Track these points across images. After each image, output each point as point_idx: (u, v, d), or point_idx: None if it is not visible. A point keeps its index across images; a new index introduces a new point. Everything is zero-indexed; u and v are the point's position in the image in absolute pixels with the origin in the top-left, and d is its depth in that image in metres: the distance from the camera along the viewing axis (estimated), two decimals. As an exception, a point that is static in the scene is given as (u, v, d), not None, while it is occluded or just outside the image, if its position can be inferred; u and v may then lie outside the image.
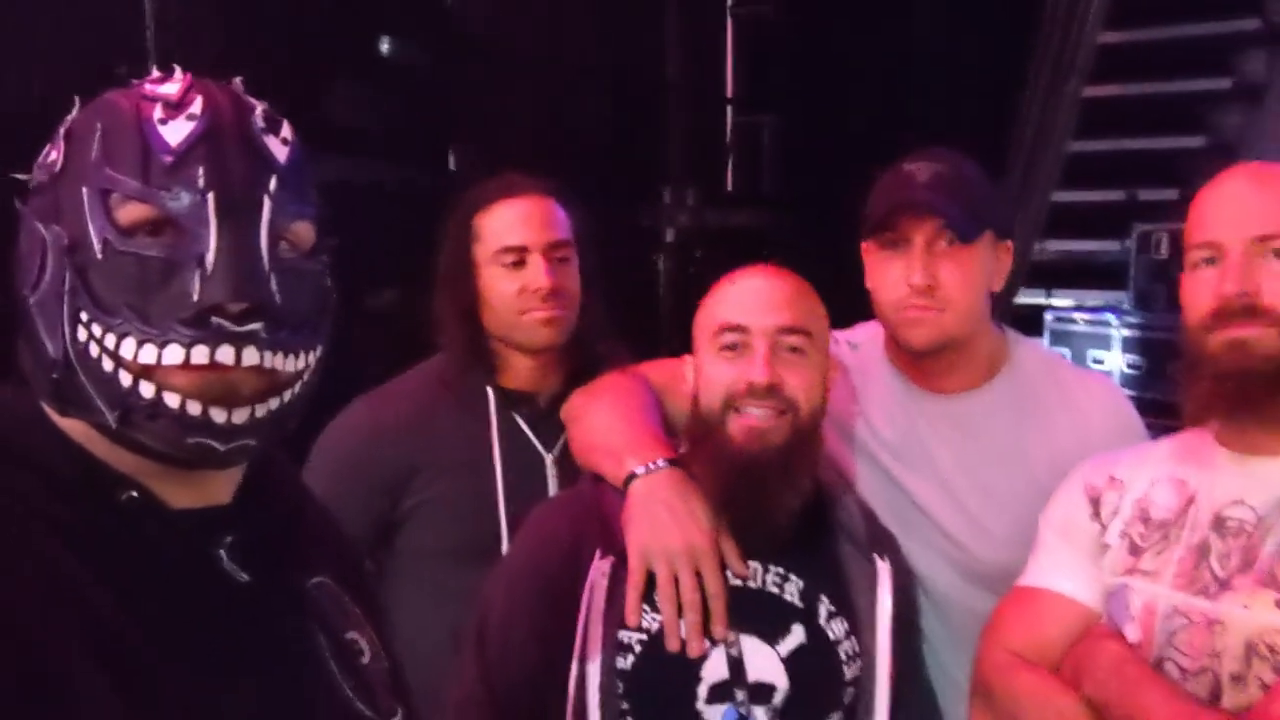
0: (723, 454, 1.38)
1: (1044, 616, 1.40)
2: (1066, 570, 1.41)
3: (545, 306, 1.78)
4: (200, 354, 0.81)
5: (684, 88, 5.56)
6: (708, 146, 5.85)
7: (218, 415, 0.82)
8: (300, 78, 3.90)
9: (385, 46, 4.45)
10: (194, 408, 0.82)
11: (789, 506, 1.42)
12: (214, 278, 0.81)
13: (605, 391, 1.62)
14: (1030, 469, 1.60)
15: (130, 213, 0.83)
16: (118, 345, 0.82)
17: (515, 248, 1.79)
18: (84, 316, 0.82)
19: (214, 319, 0.81)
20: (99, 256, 0.82)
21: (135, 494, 0.86)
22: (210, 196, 0.83)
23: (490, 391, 1.83)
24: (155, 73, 0.90)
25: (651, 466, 1.43)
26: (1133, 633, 1.32)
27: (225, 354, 0.82)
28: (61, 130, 0.88)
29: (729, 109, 6.02)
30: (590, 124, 5.20)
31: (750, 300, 1.41)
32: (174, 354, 0.81)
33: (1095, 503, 1.42)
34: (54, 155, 0.87)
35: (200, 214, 0.82)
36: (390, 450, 1.79)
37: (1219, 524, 1.30)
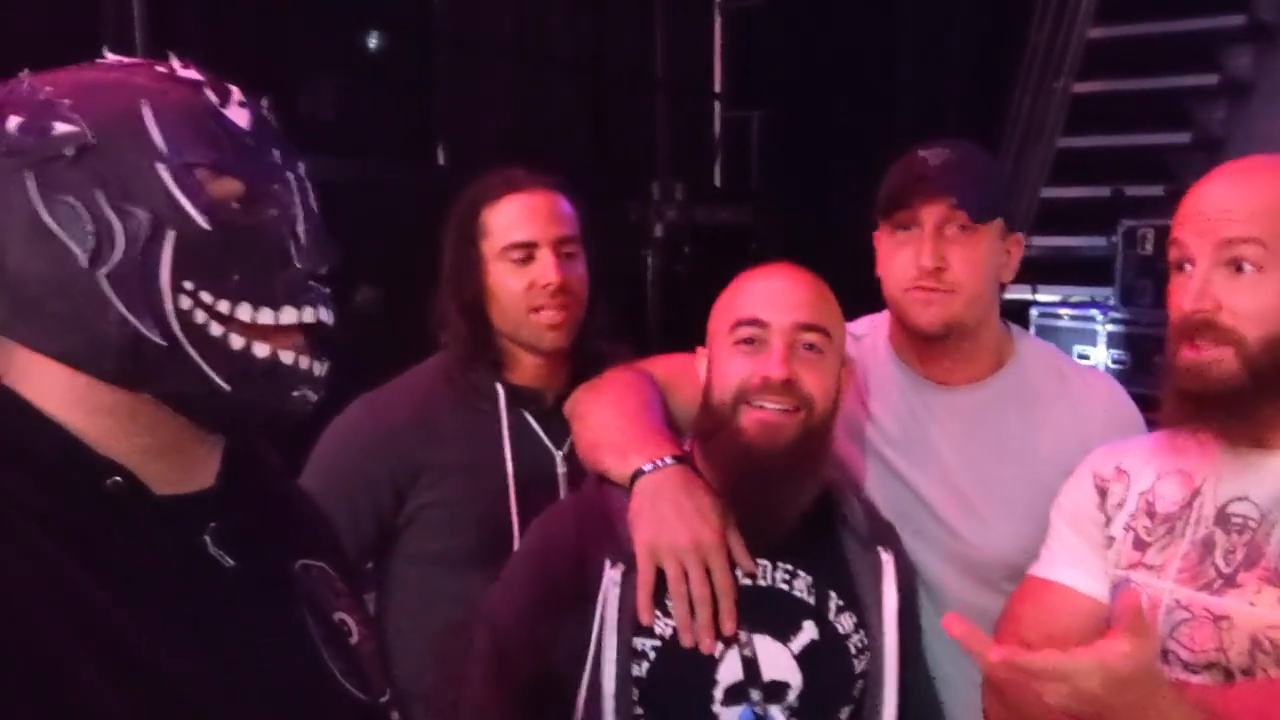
0: (733, 448, 1.37)
1: (1058, 610, 1.40)
2: (1078, 561, 1.41)
3: (553, 303, 1.76)
4: (308, 314, 0.90)
5: (672, 83, 5.56)
6: (696, 142, 5.86)
7: (318, 369, 0.92)
8: (286, 74, 3.89)
9: (372, 42, 4.43)
10: (304, 362, 0.90)
11: (796, 504, 1.42)
12: (307, 245, 0.91)
13: (609, 388, 1.61)
14: (1033, 464, 1.60)
15: (222, 188, 0.88)
16: (232, 311, 0.87)
17: (524, 243, 1.77)
18: (188, 286, 0.85)
19: (310, 282, 0.91)
20: (207, 228, 0.86)
21: (120, 479, 0.86)
22: (292, 174, 0.92)
23: (500, 388, 1.81)
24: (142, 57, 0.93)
25: (658, 463, 1.42)
26: None
27: (321, 313, 0.92)
28: (64, 105, 0.86)
29: (717, 105, 6.02)
30: (578, 119, 5.19)
31: (771, 296, 1.41)
32: (288, 315, 0.89)
33: (1103, 493, 1.42)
34: (65, 129, 0.85)
35: (289, 188, 0.91)
36: (394, 452, 1.76)
37: (1223, 519, 1.30)
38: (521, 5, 5.02)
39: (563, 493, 1.77)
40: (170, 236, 0.85)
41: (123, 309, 0.84)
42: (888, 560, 1.43)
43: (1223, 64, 5.18)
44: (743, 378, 1.37)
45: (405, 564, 1.81)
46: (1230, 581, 1.26)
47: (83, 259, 0.84)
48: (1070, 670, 1.09)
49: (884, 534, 1.49)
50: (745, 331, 1.39)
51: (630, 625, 1.36)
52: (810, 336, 1.38)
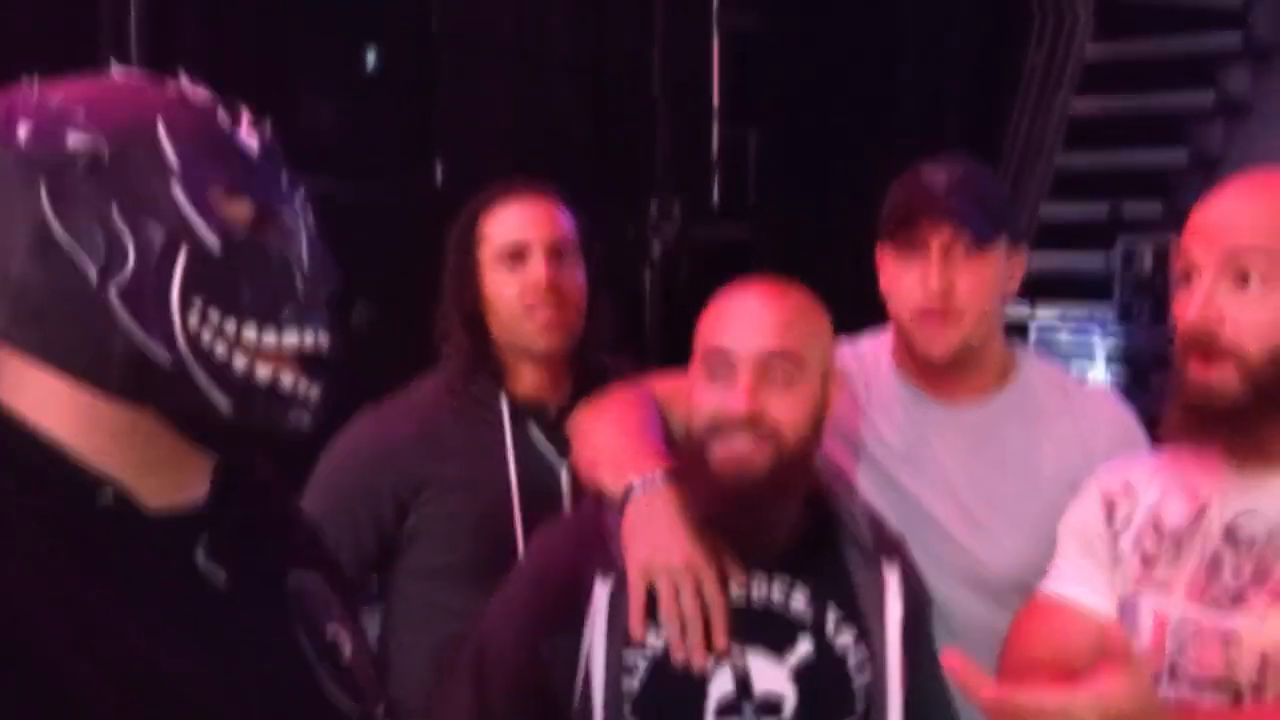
0: (707, 480, 1.36)
1: (1066, 628, 1.38)
2: (1086, 579, 1.40)
3: (546, 304, 1.76)
4: (309, 338, 0.91)
5: (670, 101, 5.57)
6: (694, 160, 5.86)
7: (313, 392, 0.92)
8: (283, 85, 3.90)
9: (370, 60, 4.44)
10: (301, 385, 0.90)
11: (784, 523, 1.41)
12: (310, 269, 0.91)
13: (610, 406, 1.61)
14: (1037, 479, 1.60)
15: (235, 209, 0.88)
16: (239, 331, 0.87)
17: (516, 244, 1.77)
18: (197, 304, 0.85)
19: (312, 306, 0.92)
20: (218, 248, 0.86)
21: (110, 494, 0.85)
22: (298, 196, 0.93)
23: (503, 401, 1.81)
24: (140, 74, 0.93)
25: (650, 480, 1.41)
26: (1142, 644, 1.31)
27: (320, 337, 0.92)
28: (77, 116, 0.85)
29: (715, 122, 6.03)
30: (576, 137, 5.20)
31: (738, 323, 1.38)
32: (291, 338, 0.90)
33: (1110, 510, 1.41)
34: (79, 139, 0.84)
35: (296, 212, 0.92)
36: (396, 465, 1.76)
37: (1231, 535, 1.29)
38: (522, 17, 5.04)
39: (567, 506, 1.76)
40: (182, 254, 0.85)
41: (131, 324, 0.84)
42: (892, 573, 1.42)
43: (1220, 83, 5.20)
44: (712, 411, 1.36)
45: (408, 579, 1.80)
46: (1239, 599, 1.25)
47: (93, 272, 0.83)
48: (1066, 708, 1.08)
49: (890, 546, 1.48)
50: (714, 360, 1.37)
51: (621, 639, 1.36)
52: (779, 365, 1.36)
